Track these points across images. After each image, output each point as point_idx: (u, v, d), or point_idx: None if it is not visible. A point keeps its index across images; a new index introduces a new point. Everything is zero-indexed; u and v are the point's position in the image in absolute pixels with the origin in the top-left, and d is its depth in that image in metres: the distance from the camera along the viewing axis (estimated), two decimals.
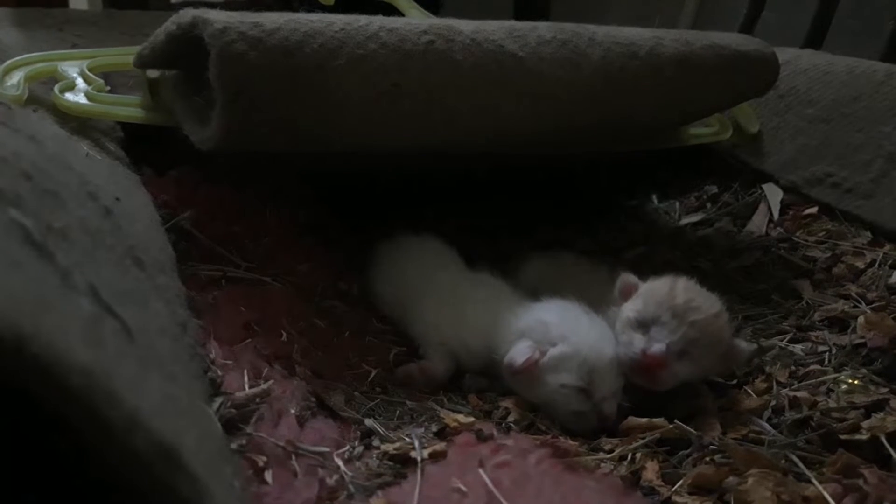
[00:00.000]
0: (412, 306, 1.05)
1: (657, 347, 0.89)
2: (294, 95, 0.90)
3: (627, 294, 1.00)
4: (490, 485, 0.58)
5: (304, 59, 0.89)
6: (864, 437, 0.85)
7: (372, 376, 0.89)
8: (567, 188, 1.57)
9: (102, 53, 1.12)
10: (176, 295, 0.73)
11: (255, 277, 0.94)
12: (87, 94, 1.02)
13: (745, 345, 0.96)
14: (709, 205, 1.52)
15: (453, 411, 0.85)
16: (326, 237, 1.14)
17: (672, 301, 0.93)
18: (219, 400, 0.67)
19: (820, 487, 0.74)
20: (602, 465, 0.79)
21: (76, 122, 1.00)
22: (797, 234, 1.37)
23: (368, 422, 0.77)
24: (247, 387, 0.71)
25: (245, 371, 0.72)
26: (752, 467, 0.76)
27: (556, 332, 0.93)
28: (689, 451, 0.83)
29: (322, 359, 0.85)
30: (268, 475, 0.61)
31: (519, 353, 0.90)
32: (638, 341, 0.91)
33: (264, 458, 0.62)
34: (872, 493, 0.74)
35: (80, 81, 1.04)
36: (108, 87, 1.07)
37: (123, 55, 1.11)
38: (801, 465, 0.79)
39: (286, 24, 0.90)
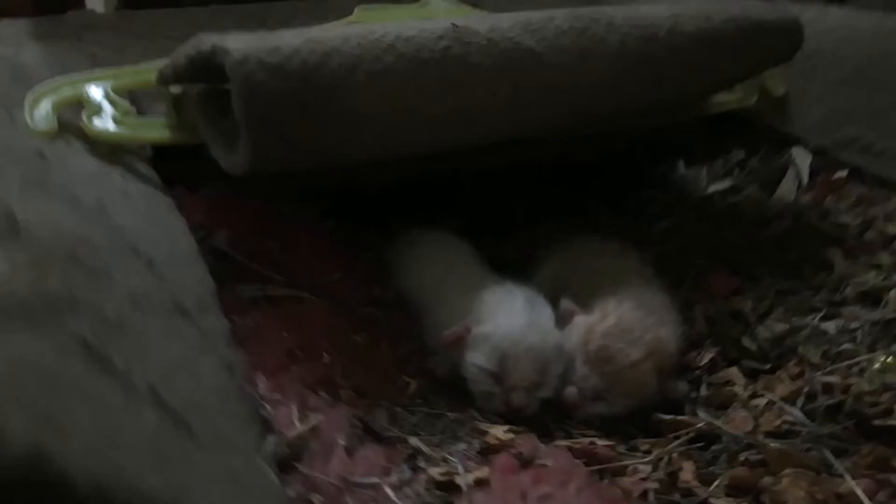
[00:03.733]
0: (426, 305, 1.07)
1: (568, 392, 0.94)
2: (316, 117, 0.91)
3: (565, 321, 1.01)
4: None
5: (323, 80, 0.90)
6: None
7: (412, 389, 0.92)
8: (587, 165, 1.56)
9: (125, 73, 1.13)
10: (221, 334, 0.76)
11: (293, 294, 0.97)
12: (114, 119, 1.03)
13: (682, 385, 0.97)
14: (736, 171, 1.51)
15: (492, 422, 0.88)
16: (357, 243, 1.16)
17: (586, 347, 0.95)
18: (272, 439, 0.70)
19: (853, 484, 0.76)
20: (639, 468, 0.82)
21: (107, 147, 1.02)
22: (827, 199, 1.36)
23: (413, 441, 0.80)
24: (297, 421, 0.74)
25: (293, 405, 0.75)
26: (785, 467, 0.78)
27: (485, 312, 0.95)
28: (722, 446, 0.86)
29: (363, 376, 0.88)
30: None
31: (452, 328, 0.94)
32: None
33: (320, 498, 0.65)
34: None
35: (106, 105, 1.06)
36: (134, 108, 1.08)
37: (146, 73, 1.12)
38: (833, 460, 0.81)
39: (304, 46, 0.90)
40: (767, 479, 0.78)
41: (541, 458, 0.75)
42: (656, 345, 0.96)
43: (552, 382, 0.94)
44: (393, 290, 1.11)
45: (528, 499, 0.65)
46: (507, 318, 0.94)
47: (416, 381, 0.93)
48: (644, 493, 0.79)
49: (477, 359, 0.92)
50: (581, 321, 0.99)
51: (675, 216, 1.46)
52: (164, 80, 1.06)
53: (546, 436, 0.90)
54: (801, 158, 1.41)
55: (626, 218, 1.48)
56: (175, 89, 1.11)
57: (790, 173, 1.42)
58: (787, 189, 1.41)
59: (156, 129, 1.05)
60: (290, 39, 0.91)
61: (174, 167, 1.09)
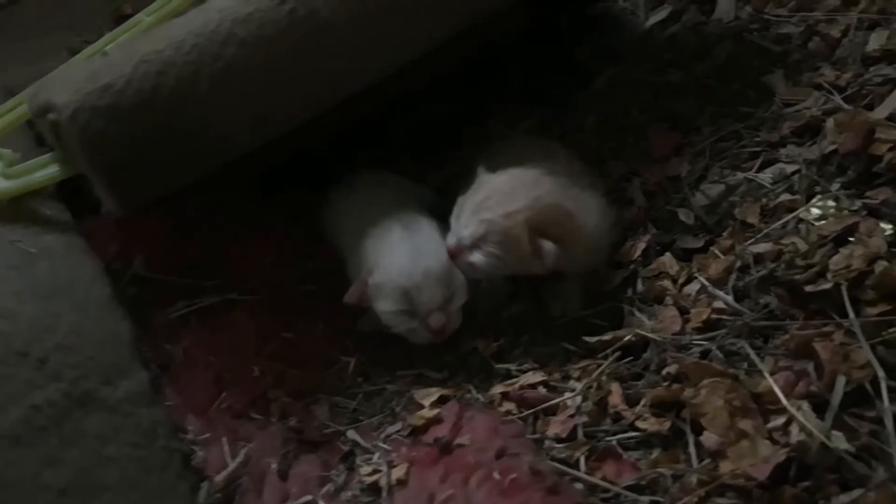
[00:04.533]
0: (343, 247, 1.09)
1: (449, 239, 0.98)
2: (171, 140, 0.88)
3: None
4: None
5: (166, 102, 0.86)
6: (828, 285, 0.85)
7: (351, 368, 0.95)
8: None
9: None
10: (138, 397, 0.80)
11: (223, 300, 0.99)
12: (3, 175, 1.02)
13: (550, 246, 0.93)
14: None
15: (427, 380, 0.92)
16: (290, 213, 1.15)
17: (473, 197, 0.97)
18: (204, 488, 0.76)
19: (771, 381, 0.77)
20: (569, 403, 0.85)
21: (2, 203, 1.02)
22: (767, 9, 1.25)
23: (350, 433, 0.85)
24: (228, 457, 0.79)
25: (223, 439, 0.80)
26: (703, 378, 0.79)
27: (372, 260, 0.97)
28: (649, 355, 0.87)
29: (298, 375, 0.92)
30: None
31: (351, 289, 0.97)
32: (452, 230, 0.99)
33: None
34: (826, 368, 0.76)
35: None
36: (17, 154, 1.06)
37: (18, 107, 1.09)
38: (755, 357, 0.81)
39: (136, 71, 0.86)
40: (687, 393, 0.79)
41: (461, 433, 0.78)
42: (537, 202, 0.95)
43: (462, 288, 0.98)
44: (328, 255, 1.11)
45: (434, 501, 0.69)
46: (391, 258, 0.96)
47: (355, 358, 0.96)
48: (573, 430, 0.82)
49: (384, 306, 0.95)
50: (481, 178, 1.01)
51: (616, 63, 1.37)
52: (37, 112, 1.03)
53: (486, 377, 0.93)
54: None
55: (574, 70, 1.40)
56: (53, 116, 1.08)
57: None
58: (725, 6, 1.31)
59: (47, 169, 1.03)
60: (121, 64, 0.86)
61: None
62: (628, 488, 0.74)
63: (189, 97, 0.86)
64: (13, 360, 0.73)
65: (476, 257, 0.95)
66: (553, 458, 0.77)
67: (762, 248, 0.92)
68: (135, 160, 0.86)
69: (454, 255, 0.96)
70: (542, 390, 0.87)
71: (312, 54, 0.93)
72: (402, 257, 0.95)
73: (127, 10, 1.34)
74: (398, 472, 0.75)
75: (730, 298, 0.89)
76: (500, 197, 0.95)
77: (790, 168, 1.02)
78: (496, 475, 0.70)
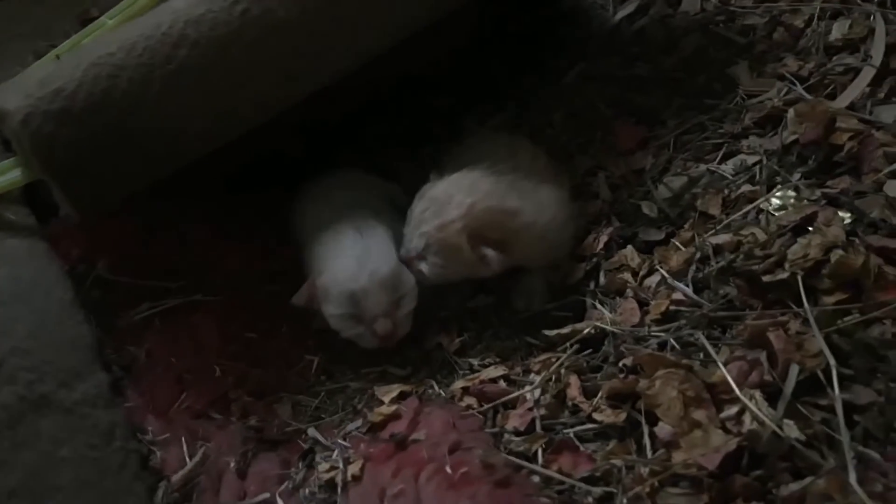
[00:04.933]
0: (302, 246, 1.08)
1: (402, 250, 0.98)
2: (124, 144, 0.88)
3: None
4: None
5: (118, 105, 0.86)
6: (785, 275, 0.85)
7: (314, 366, 0.95)
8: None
9: None
10: (96, 399, 0.80)
11: (187, 301, 0.99)
12: None
13: (492, 254, 0.93)
14: None
15: (391, 377, 0.92)
16: (264, 212, 1.15)
17: (413, 211, 0.97)
18: (161, 488, 0.76)
19: (724, 370, 0.77)
20: (528, 396, 0.85)
21: None
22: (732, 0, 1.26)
23: (311, 431, 0.85)
24: (186, 457, 0.79)
25: (182, 439, 0.80)
26: (657, 369, 0.79)
27: (321, 263, 0.97)
28: (607, 347, 0.87)
29: (261, 375, 0.92)
30: None
31: (300, 291, 0.96)
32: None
33: None
34: (779, 358, 0.77)
35: None
36: None
37: None
38: (710, 348, 0.81)
39: (87, 74, 0.86)
40: (642, 384, 0.79)
41: (418, 428, 0.79)
42: (472, 209, 0.94)
43: (412, 293, 0.97)
44: (292, 255, 1.11)
45: (385, 497, 0.70)
46: (339, 262, 0.95)
47: (319, 356, 0.96)
48: (532, 423, 0.82)
49: (331, 309, 0.94)
50: (424, 188, 1.00)
51: (585, 58, 1.37)
52: None
53: (449, 372, 0.93)
54: None
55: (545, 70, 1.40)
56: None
57: None
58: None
59: (10, 174, 1.03)
60: (72, 69, 0.86)
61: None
62: (583, 480, 0.75)
63: (141, 99, 0.87)
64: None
65: (424, 267, 0.96)
66: (511, 452, 0.78)
67: (722, 239, 0.92)
68: (88, 164, 0.86)
69: (408, 264, 0.97)
70: (502, 384, 0.87)
71: (267, 54, 0.93)
72: (350, 261, 0.95)
73: (94, 14, 1.34)
74: (353, 469, 0.76)
75: (689, 290, 0.90)
76: (436, 207, 0.94)
77: (751, 159, 1.02)
78: (448, 469, 0.70)
